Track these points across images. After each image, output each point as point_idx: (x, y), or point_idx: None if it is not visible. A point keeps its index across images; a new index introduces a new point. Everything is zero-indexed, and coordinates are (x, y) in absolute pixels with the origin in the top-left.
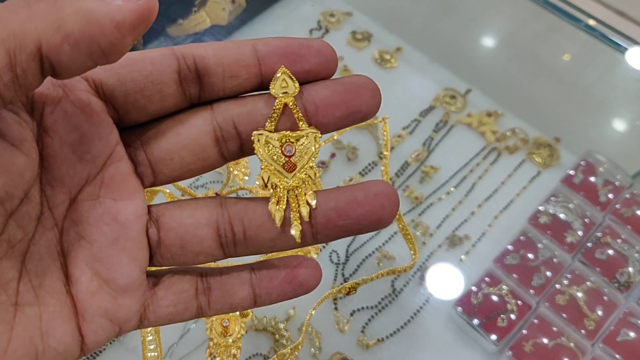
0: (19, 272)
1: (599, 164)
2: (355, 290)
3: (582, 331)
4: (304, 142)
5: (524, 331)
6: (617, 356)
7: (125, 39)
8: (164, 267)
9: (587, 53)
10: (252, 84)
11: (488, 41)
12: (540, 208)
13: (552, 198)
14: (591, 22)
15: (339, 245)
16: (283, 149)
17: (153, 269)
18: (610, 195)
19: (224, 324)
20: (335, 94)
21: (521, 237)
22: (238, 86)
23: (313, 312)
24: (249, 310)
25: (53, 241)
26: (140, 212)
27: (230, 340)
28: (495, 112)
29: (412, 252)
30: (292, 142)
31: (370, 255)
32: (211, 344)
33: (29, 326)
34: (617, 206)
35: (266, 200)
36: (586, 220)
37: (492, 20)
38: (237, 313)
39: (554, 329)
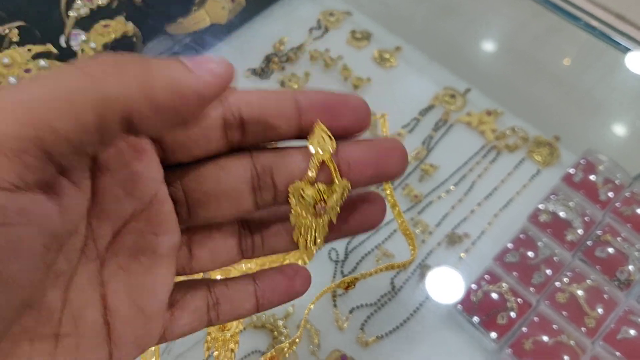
0: (62, 302)
1: (599, 163)
2: (354, 285)
3: (583, 329)
4: (335, 198)
5: (524, 329)
6: (618, 354)
7: (204, 108)
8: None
9: (587, 53)
10: (290, 135)
11: (487, 40)
12: (540, 206)
13: (552, 196)
14: (592, 22)
15: (338, 243)
16: (315, 207)
17: None
18: (610, 194)
19: None
20: (368, 155)
21: (521, 235)
22: (277, 135)
23: (312, 306)
24: None
25: (94, 272)
26: (177, 244)
27: (229, 334)
28: (494, 110)
29: (411, 247)
30: (325, 199)
31: (369, 252)
32: (209, 338)
33: (67, 358)
34: (617, 204)
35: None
36: (586, 218)
37: (492, 19)
38: None
39: (554, 327)
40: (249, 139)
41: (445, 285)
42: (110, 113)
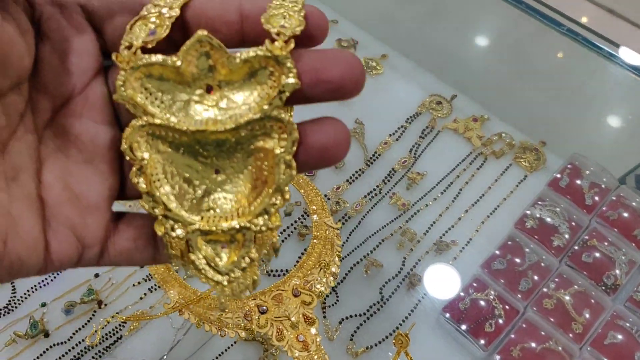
0: None
1: (585, 167)
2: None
3: (570, 335)
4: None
5: (512, 336)
6: (605, 359)
7: None
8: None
9: (571, 58)
10: (232, 40)
11: (473, 47)
12: (527, 212)
13: (538, 202)
14: (575, 28)
15: None
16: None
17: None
18: (597, 198)
19: None
20: (306, 63)
21: (508, 242)
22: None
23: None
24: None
25: (33, 145)
26: (117, 140)
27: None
28: (481, 117)
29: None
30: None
31: (358, 262)
32: None
33: (0, 211)
34: (604, 209)
35: None
36: (573, 223)
37: (477, 26)
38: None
39: (542, 333)
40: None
41: (433, 293)
42: None
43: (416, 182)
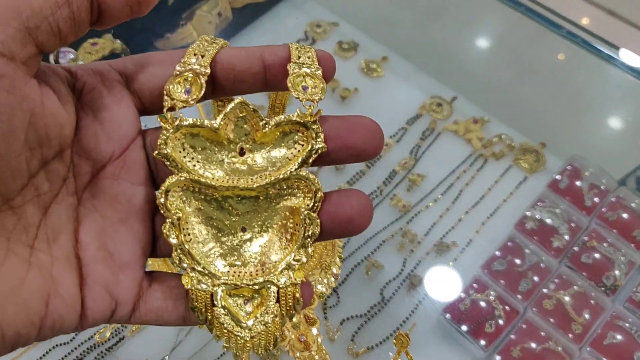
0: (39, 221)
1: (584, 168)
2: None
3: (570, 335)
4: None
5: (512, 336)
6: (604, 359)
7: None
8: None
9: (571, 60)
10: (257, 88)
11: (473, 49)
12: (527, 213)
13: (538, 203)
14: (574, 31)
15: None
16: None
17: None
18: (596, 199)
19: None
20: (332, 128)
21: (508, 243)
22: (246, 89)
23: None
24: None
25: (72, 206)
26: (151, 199)
27: None
28: (481, 118)
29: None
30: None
31: (359, 264)
32: None
33: (42, 269)
34: (603, 210)
35: None
36: (572, 224)
37: (477, 28)
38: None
39: (542, 333)
40: (219, 92)
41: (434, 294)
42: None
43: (417, 184)
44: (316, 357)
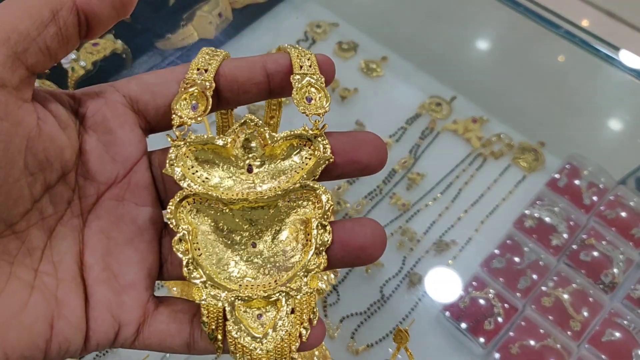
0: (44, 243)
1: (583, 167)
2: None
3: (568, 332)
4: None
5: (511, 333)
6: (603, 356)
7: None
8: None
9: (570, 60)
10: (261, 97)
11: (473, 49)
12: (526, 212)
13: (537, 202)
14: (573, 30)
15: None
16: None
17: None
18: (595, 198)
19: None
20: (338, 144)
21: (507, 241)
22: (250, 99)
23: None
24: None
25: (77, 228)
26: (157, 220)
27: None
28: (480, 118)
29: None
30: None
31: None
32: None
33: (46, 291)
34: (602, 208)
35: None
36: (571, 223)
37: (477, 28)
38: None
39: (541, 330)
40: (224, 104)
41: (433, 292)
42: (60, 4)
43: (416, 183)
44: (316, 353)
